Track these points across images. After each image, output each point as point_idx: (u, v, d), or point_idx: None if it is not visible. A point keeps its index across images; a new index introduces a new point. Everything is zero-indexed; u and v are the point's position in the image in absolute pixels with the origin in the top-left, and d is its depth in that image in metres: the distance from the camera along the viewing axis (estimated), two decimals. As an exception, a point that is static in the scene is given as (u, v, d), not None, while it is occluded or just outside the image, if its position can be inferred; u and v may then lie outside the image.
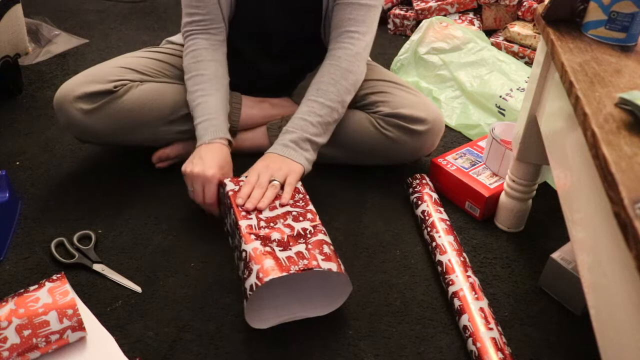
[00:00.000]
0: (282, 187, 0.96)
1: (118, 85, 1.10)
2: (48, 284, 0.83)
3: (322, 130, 1.05)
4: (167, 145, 1.18)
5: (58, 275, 0.85)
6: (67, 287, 0.83)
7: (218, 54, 1.12)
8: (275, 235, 0.86)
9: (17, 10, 1.40)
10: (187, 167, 1.01)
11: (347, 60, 1.07)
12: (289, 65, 1.25)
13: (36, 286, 0.83)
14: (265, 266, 0.80)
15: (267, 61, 1.23)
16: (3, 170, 1.06)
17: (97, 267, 0.96)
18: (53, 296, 0.81)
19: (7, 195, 1.04)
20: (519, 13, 1.87)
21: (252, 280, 0.80)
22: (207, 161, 0.99)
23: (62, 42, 1.82)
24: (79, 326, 0.80)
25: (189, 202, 1.12)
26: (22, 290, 0.83)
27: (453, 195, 1.14)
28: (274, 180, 0.96)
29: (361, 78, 1.11)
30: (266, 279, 0.78)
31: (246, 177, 0.98)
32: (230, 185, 0.97)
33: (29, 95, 1.51)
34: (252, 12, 1.15)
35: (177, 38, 1.29)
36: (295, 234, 0.87)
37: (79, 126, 1.09)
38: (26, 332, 0.77)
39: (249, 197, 0.93)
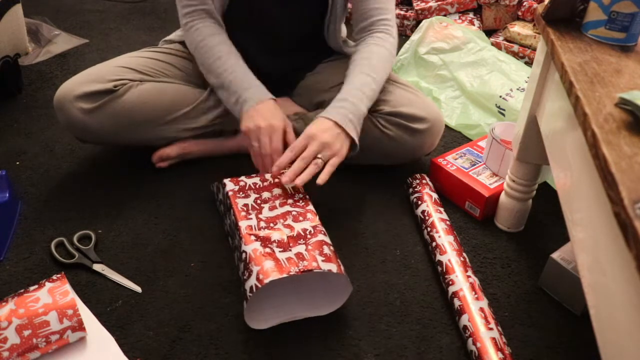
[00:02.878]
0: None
1: (118, 85, 1.10)
2: (48, 284, 0.83)
3: (369, 105, 1.06)
4: (167, 145, 1.18)
5: (58, 275, 0.85)
6: (67, 287, 0.83)
7: (223, 37, 1.12)
8: (275, 236, 0.86)
9: (17, 10, 1.40)
10: (249, 123, 1.01)
11: (391, 42, 1.12)
12: (289, 64, 1.25)
13: (36, 286, 0.83)
14: (265, 267, 0.80)
15: (268, 59, 1.23)
16: (3, 170, 1.06)
17: (97, 267, 0.96)
18: (53, 296, 0.81)
19: (7, 195, 1.04)
20: (519, 13, 1.87)
21: (252, 281, 0.80)
22: (268, 114, 1.01)
23: (62, 42, 1.81)
24: (79, 326, 0.80)
25: (189, 202, 1.12)
26: (22, 290, 0.83)
27: (453, 195, 1.14)
28: (319, 158, 0.96)
29: (394, 62, 1.16)
30: (266, 281, 0.78)
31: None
32: (230, 185, 0.97)
33: (29, 95, 1.51)
34: (252, 7, 1.15)
35: (174, 36, 1.29)
36: (295, 235, 0.87)
37: (79, 126, 1.09)
38: (26, 332, 0.77)
39: (286, 165, 0.95)
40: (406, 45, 1.64)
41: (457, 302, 0.88)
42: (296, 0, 1.15)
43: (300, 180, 0.93)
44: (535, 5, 1.82)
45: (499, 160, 1.11)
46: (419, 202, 1.09)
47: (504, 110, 1.38)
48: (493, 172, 1.13)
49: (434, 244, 0.99)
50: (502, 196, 1.07)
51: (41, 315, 0.78)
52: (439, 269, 0.96)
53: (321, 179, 0.94)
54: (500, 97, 1.39)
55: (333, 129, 0.98)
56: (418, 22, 1.96)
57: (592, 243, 0.60)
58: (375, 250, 1.03)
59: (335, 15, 1.15)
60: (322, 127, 0.98)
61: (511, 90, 1.41)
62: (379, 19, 1.11)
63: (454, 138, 1.39)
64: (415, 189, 1.12)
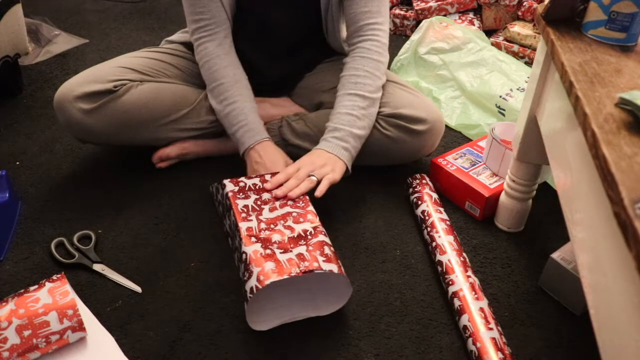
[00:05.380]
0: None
1: (118, 85, 1.10)
2: (48, 284, 0.83)
3: (367, 123, 1.07)
4: (167, 145, 1.18)
5: (58, 276, 0.85)
6: (67, 287, 0.83)
7: (230, 57, 1.13)
8: (276, 237, 0.86)
9: (17, 10, 1.41)
10: (252, 174, 1.05)
11: (377, 51, 1.10)
12: (288, 65, 1.25)
13: (36, 286, 0.83)
14: (266, 269, 0.80)
15: (268, 61, 1.22)
16: (3, 170, 1.06)
17: (97, 267, 0.96)
18: (53, 296, 0.81)
19: (7, 195, 1.04)
20: (519, 13, 1.87)
21: (252, 282, 0.80)
22: (267, 160, 1.05)
23: (62, 42, 1.82)
24: (79, 326, 0.80)
25: (189, 202, 1.12)
26: (22, 291, 0.83)
27: (453, 195, 1.14)
28: (312, 175, 0.98)
29: (387, 64, 1.14)
30: (267, 282, 0.78)
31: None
32: (229, 186, 0.97)
33: (29, 95, 1.51)
34: (252, 10, 1.15)
35: (176, 37, 1.29)
36: (295, 236, 0.87)
37: (79, 126, 1.09)
38: (26, 333, 0.77)
39: (280, 185, 0.97)
40: (406, 45, 1.64)
41: (457, 302, 0.88)
42: (291, 3, 1.14)
43: (294, 194, 0.95)
44: (535, 5, 1.82)
45: (499, 160, 1.11)
46: (419, 202, 1.09)
47: (504, 110, 1.38)
48: (493, 172, 1.13)
49: (434, 244, 0.99)
50: (502, 196, 1.07)
51: (41, 315, 0.78)
52: (439, 269, 0.96)
53: (319, 191, 0.97)
54: (500, 97, 1.39)
55: (325, 154, 1.02)
56: (418, 22, 1.96)
57: (592, 243, 0.60)
58: (375, 250, 1.03)
59: (333, 15, 1.14)
60: (314, 154, 1.03)
61: (511, 90, 1.41)
62: (367, 23, 1.10)
63: (454, 138, 1.39)
64: (415, 189, 1.12)
